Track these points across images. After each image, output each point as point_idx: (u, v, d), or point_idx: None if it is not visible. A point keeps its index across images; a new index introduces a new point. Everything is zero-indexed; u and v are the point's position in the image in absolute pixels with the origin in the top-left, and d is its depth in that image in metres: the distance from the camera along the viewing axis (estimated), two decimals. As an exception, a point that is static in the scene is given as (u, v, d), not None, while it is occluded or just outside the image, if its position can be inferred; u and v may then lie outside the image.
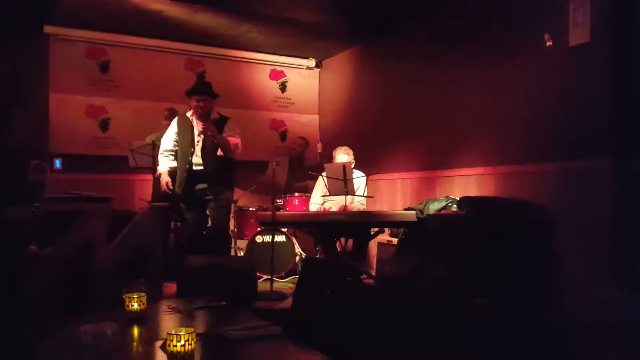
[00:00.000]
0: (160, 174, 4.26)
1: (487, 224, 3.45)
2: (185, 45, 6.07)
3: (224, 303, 2.26)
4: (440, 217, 3.82)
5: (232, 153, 4.15)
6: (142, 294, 2.04)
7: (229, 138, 4.14)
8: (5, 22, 4.94)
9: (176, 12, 5.10)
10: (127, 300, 2.05)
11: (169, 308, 2.25)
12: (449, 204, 4.02)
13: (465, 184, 4.37)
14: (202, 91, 4.18)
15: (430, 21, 4.94)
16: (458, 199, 3.95)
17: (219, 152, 4.13)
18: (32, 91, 5.36)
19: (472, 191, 4.26)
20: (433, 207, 4.02)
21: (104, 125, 5.74)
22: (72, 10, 4.69)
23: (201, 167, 4.16)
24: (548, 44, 3.59)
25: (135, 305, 2.02)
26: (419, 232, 3.96)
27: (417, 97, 5.11)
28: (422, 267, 3.40)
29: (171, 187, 4.19)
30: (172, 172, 4.23)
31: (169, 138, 4.28)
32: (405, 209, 4.35)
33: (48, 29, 5.42)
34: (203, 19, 5.31)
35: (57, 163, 5.36)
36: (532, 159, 3.73)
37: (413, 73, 5.18)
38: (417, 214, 3.97)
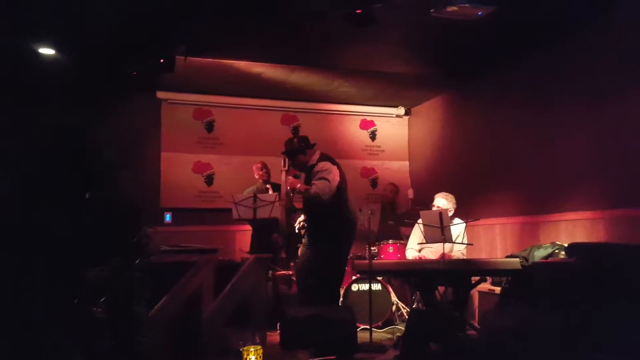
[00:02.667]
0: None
1: (602, 273, 3.19)
2: (281, 102, 6.46)
3: (334, 357, 2.29)
4: (548, 265, 3.60)
5: (311, 200, 3.93)
6: (259, 347, 2.14)
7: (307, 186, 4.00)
8: (123, 89, 5.60)
9: (274, 73, 5.50)
10: (245, 353, 2.15)
11: (282, 360, 2.32)
12: (556, 251, 3.80)
13: (572, 229, 4.11)
14: (286, 154, 4.21)
15: (520, 65, 4.87)
16: (566, 245, 3.71)
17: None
18: (146, 151, 5.99)
19: (580, 237, 4.00)
20: (538, 254, 3.81)
21: (209, 180, 6.20)
22: (181, 77, 5.20)
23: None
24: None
25: (253, 359, 2.12)
26: (524, 281, 3.75)
27: (512, 141, 4.98)
28: (530, 319, 3.21)
29: (300, 224, 4.23)
30: None
31: None
32: (507, 256, 4.16)
33: (160, 94, 6.08)
34: (298, 77, 5.66)
35: (167, 217, 5.83)
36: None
37: (507, 117, 5.08)
38: (521, 262, 3.78)
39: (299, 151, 4.12)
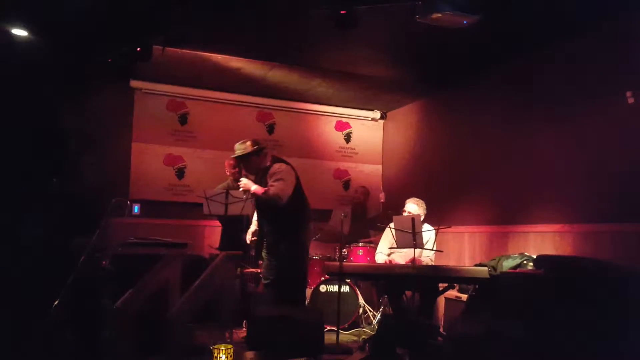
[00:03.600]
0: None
1: (568, 285, 3.28)
2: (258, 99, 6.39)
3: (304, 359, 2.27)
4: (516, 276, 3.67)
5: (268, 202, 3.89)
6: (229, 345, 2.10)
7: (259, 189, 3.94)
8: (96, 76, 5.44)
9: (253, 68, 5.42)
10: (215, 351, 2.10)
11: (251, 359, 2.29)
12: (524, 262, 3.88)
13: (541, 241, 4.21)
14: (235, 160, 4.19)
15: (498, 75, 4.97)
16: (534, 256, 3.80)
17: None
18: (117, 140, 5.83)
19: (549, 249, 4.10)
20: (507, 265, 3.89)
21: (180, 173, 6.07)
22: (157, 66, 5.07)
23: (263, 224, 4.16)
24: (630, 101, 3.50)
25: (223, 358, 2.08)
26: (491, 289, 3.82)
27: (485, 150, 5.06)
28: (496, 328, 3.26)
29: (252, 238, 4.25)
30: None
31: None
32: (476, 265, 4.23)
33: (134, 83, 5.90)
34: (277, 75, 5.61)
35: (136, 209, 5.68)
36: (615, 218, 3.57)
37: (481, 126, 5.17)
38: (489, 271, 3.85)
39: (253, 154, 4.01)
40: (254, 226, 4.33)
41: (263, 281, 4.19)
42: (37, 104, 5.16)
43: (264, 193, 3.87)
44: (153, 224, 5.56)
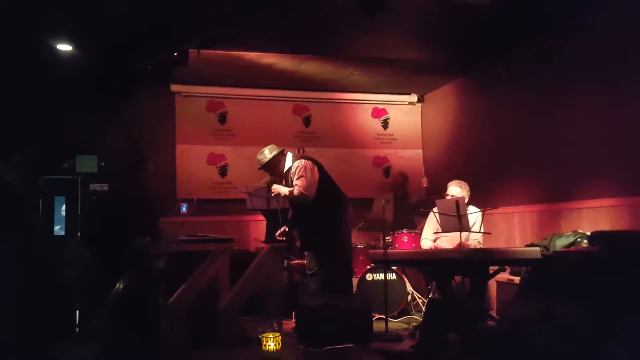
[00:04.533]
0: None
1: (626, 263, 3.12)
2: (292, 93, 6.43)
3: (351, 345, 2.28)
4: (570, 255, 3.53)
5: (295, 202, 3.99)
6: (277, 334, 2.13)
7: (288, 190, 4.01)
8: (138, 83, 5.63)
9: (285, 63, 5.46)
10: (263, 340, 2.15)
11: (301, 349, 2.31)
12: (578, 240, 3.72)
13: (594, 217, 4.02)
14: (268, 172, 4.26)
15: (537, 49, 4.77)
16: (589, 233, 3.63)
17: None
18: (162, 143, 6.02)
19: (604, 225, 3.91)
20: (560, 243, 3.74)
21: (223, 171, 6.21)
22: (194, 69, 5.20)
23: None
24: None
25: (272, 346, 2.12)
26: (544, 270, 3.68)
27: (529, 126, 4.88)
28: (551, 310, 3.15)
29: (280, 233, 4.28)
30: None
31: None
32: (527, 245, 4.10)
33: (174, 87, 6.09)
34: (309, 67, 5.62)
35: (184, 208, 5.86)
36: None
37: (524, 102, 4.98)
38: (541, 251, 3.71)
39: (273, 161, 4.11)
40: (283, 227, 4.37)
41: (307, 272, 4.23)
42: (82, 113, 5.41)
43: (290, 194, 3.97)
44: (200, 221, 5.71)
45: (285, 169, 4.12)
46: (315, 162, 4.12)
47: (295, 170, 4.00)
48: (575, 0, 3.89)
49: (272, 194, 4.12)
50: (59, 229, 5.06)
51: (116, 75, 5.25)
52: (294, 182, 3.98)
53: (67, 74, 4.92)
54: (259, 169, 4.23)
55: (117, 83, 5.47)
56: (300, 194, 3.91)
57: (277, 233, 4.35)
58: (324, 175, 4.09)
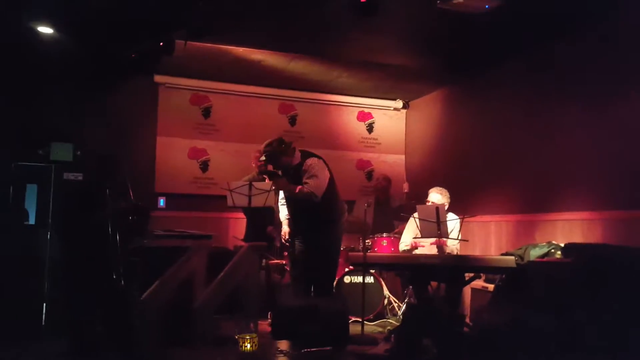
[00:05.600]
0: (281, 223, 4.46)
1: (598, 274, 3.19)
2: (279, 91, 6.39)
3: (329, 348, 2.28)
4: (544, 265, 3.60)
5: (303, 200, 3.89)
6: (254, 335, 2.12)
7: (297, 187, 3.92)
8: (121, 71, 5.53)
9: (274, 60, 5.43)
10: (240, 341, 2.13)
11: (277, 350, 2.31)
12: (552, 250, 3.80)
13: (569, 229, 4.11)
14: (265, 161, 4.06)
15: (521, 62, 4.86)
16: (562, 245, 3.71)
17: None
18: (142, 135, 5.92)
19: (577, 237, 4.00)
20: (534, 253, 3.81)
21: (204, 166, 6.14)
22: (180, 61, 5.13)
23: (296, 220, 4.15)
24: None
25: (248, 347, 2.10)
26: (518, 279, 3.75)
27: (510, 138, 4.97)
28: (524, 318, 3.21)
29: (288, 239, 4.27)
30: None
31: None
32: (502, 254, 4.16)
33: (158, 78, 5.98)
34: (298, 66, 5.60)
35: (161, 202, 5.77)
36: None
37: (505, 113, 5.07)
38: (516, 260, 3.77)
39: (282, 153, 3.99)
40: (285, 227, 4.33)
41: (291, 273, 4.21)
42: (61, 100, 5.28)
43: (299, 192, 3.86)
44: (179, 216, 5.64)
45: (295, 162, 3.99)
46: (324, 161, 4.04)
47: (308, 167, 3.90)
48: (562, 14, 3.95)
49: (273, 188, 4.00)
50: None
51: (99, 62, 5.15)
52: (305, 180, 3.87)
53: (47, 58, 4.78)
54: (264, 158, 4.04)
55: (99, 70, 5.35)
56: (310, 194, 3.82)
57: (285, 232, 4.29)
58: (331, 176, 4.03)
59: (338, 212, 4.10)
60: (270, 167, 4.07)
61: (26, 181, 4.86)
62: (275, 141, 4.00)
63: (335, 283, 4.96)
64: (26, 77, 4.97)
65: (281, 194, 4.40)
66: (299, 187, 3.88)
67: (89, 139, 5.18)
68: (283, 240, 4.29)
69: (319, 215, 3.96)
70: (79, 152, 4.97)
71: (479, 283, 4.44)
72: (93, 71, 5.33)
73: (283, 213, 4.41)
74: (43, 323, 4.60)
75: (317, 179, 3.87)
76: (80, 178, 4.96)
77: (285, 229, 4.34)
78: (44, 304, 4.63)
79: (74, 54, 4.85)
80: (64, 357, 3.26)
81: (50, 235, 4.82)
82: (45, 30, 4.42)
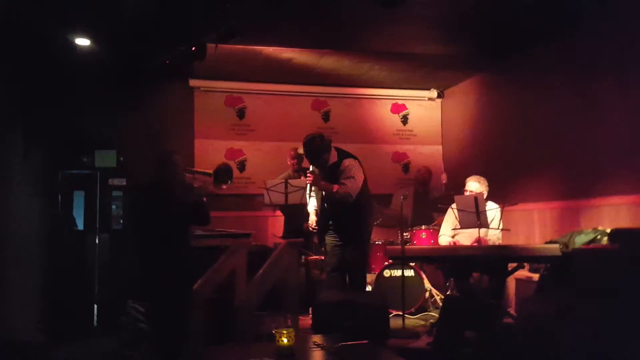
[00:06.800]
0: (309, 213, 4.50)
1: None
2: (311, 88, 6.43)
3: (365, 342, 2.28)
4: (590, 252, 3.46)
5: (338, 200, 3.93)
6: (291, 329, 2.14)
7: (334, 185, 3.94)
8: (157, 78, 5.69)
9: (304, 58, 5.46)
10: (277, 335, 2.16)
11: (315, 344, 2.33)
12: (598, 237, 3.65)
13: (615, 214, 3.94)
14: (309, 159, 4.12)
15: (559, 44, 4.67)
16: (609, 231, 3.56)
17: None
18: (180, 138, 6.09)
19: (625, 222, 3.82)
20: (579, 241, 3.68)
21: (241, 166, 6.25)
22: (212, 64, 5.23)
23: (329, 215, 4.17)
24: None
25: (285, 341, 2.13)
26: (564, 267, 3.63)
27: (550, 123, 4.79)
28: (570, 307, 3.10)
29: (316, 227, 4.32)
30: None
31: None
32: (546, 242, 4.03)
33: (193, 82, 6.14)
34: (328, 62, 5.60)
35: (202, 202, 5.90)
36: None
37: (544, 98, 4.89)
38: (561, 248, 3.65)
39: (322, 149, 4.01)
40: (313, 216, 4.38)
41: (326, 268, 4.24)
42: (102, 108, 5.50)
43: (336, 192, 3.93)
44: (218, 216, 5.73)
45: (331, 162, 4.04)
46: (358, 160, 4.09)
47: (346, 168, 3.96)
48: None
49: (310, 184, 4.05)
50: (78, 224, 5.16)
51: (135, 70, 5.32)
52: (342, 181, 3.93)
53: (86, 69, 4.98)
54: (306, 154, 4.10)
55: (136, 78, 5.53)
56: (347, 194, 3.89)
57: (313, 221, 4.34)
58: (364, 176, 4.09)
59: (368, 210, 4.17)
60: (306, 164, 4.10)
61: (73, 188, 5.10)
62: (316, 137, 4.04)
63: (375, 277, 4.96)
64: (67, 88, 5.20)
65: (309, 186, 4.44)
66: (337, 186, 3.93)
67: (130, 145, 5.38)
68: (310, 229, 4.32)
69: (352, 213, 4.00)
70: (121, 158, 5.18)
71: (523, 273, 4.33)
72: (130, 79, 5.52)
73: (311, 205, 4.44)
74: (95, 323, 4.84)
75: (353, 181, 3.93)
76: (124, 183, 5.17)
77: (312, 218, 4.37)
78: (95, 305, 4.87)
79: (111, 63, 5.04)
80: (114, 353, 3.41)
81: (98, 240, 5.05)
82: (82, 42, 4.61)
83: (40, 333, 4.09)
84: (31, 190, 4.69)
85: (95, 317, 4.88)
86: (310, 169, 4.20)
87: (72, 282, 4.82)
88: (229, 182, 3.72)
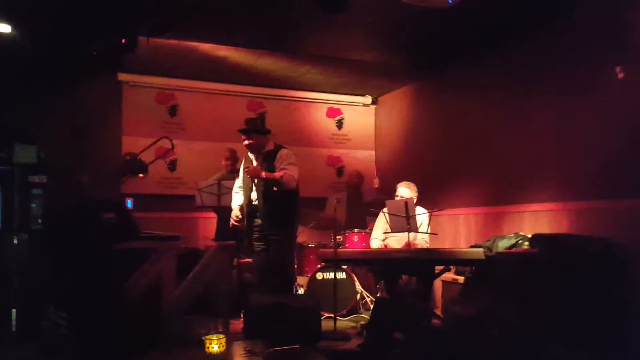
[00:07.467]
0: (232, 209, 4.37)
1: (563, 264, 3.27)
2: (247, 88, 6.31)
3: (297, 346, 2.26)
4: (511, 256, 3.67)
5: (281, 186, 4.00)
6: (222, 336, 2.08)
7: (276, 172, 4.02)
8: (83, 70, 5.38)
9: (241, 57, 5.35)
10: (207, 342, 2.08)
11: (246, 350, 2.27)
12: (520, 241, 3.86)
13: (535, 220, 4.20)
14: (244, 130, 4.22)
15: (489, 57, 4.92)
16: (530, 236, 3.79)
17: (275, 188, 4.06)
18: (107, 134, 5.77)
19: (544, 228, 4.09)
20: (502, 245, 3.87)
21: (172, 166, 6.02)
22: (144, 58, 5.01)
23: (256, 202, 4.15)
24: (620, 76, 3.46)
25: (216, 348, 2.06)
26: (487, 270, 3.81)
27: (478, 131, 5.04)
28: (493, 308, 3.26)
29: (237, 218, 4.24)
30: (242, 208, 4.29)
31: (239, 175, 4.39)
32: (471, 246, 4.22)
33: (122, 76, 5.83)
34: (265, 62, 5.54)
35: (129, 203, 5.62)
36: (609, 195, 3.56)
37: (472, 107, 5.14)
38: (485, 252, 3.84)
39: (260, 132, 4.18)
40: (236, 211, 4.29)
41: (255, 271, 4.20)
42: (23, 100, 5.11)
43: (280, 177, 3.98)
44: (147, 217, 5.48)
45: (267, 149, 4.15)
46: None
47: (285, 155, 4.10)
48: (532, 7, 3.99)
49: (247, 174, 4.03)
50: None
51: (60, 61, 4.99)
52: (283, 167, 4.02)
53: (7, 57, 4.61)
54: (244, 129, 4.17)
55: (61, 70, 5.19)
56: (292, 178, 4.00)
57: (235, 216, 4.25)
58: None
59: (297, 202, 4.24)
60: (247, 141, 4.13)
61: (-12, 184, 4.69)
62: (258, 119, 4.35)
63: (307, 280, 4.96)
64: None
65: (237, 182, 4.38)
66: (280, 173, 3.99)
67: (52, 140, 5.02)
68: (233, 222, 4.25)
69: (283, 200, 4.05)
70: (42, 155, 4.82)
71: (449, 275, 4.51)
72: (55, 71, 5.17)
73: (236, 201, 4.36)
74: (13, 329, 4.47)
75: (295, 168, 4.06)
76: (44, 181, 4.81)
77: (236, 213, 4.28)
78: (13, 310, 4.49)
79: (34, 53, 4.69)
80: None
81: (17, 240, 4.66)
82: (3, 28, 4.25)
83: None
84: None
85: (13, 322, 4.49)
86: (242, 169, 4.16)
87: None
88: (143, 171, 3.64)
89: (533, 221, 4.22)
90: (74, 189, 3.17)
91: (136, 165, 3.71)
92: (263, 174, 3.99)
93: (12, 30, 4.28)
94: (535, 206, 4.25)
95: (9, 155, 4.68)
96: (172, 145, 4.31)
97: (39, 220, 4.85)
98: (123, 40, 4.38)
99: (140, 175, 4.04)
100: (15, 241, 4.66)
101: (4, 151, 4.67)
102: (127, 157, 3.64)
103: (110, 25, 4.31)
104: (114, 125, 5.83)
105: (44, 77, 5.17)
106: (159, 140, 4.23)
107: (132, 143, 5.84)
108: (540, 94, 4.29)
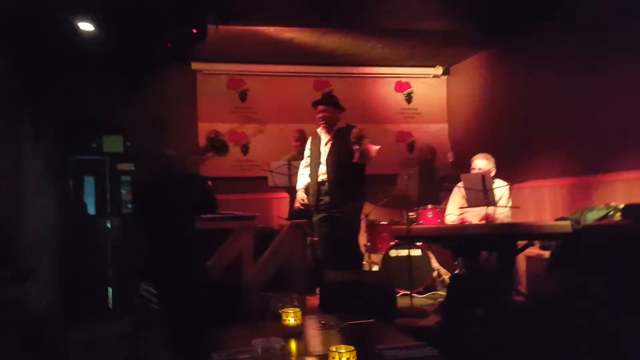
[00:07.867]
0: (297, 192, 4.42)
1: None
2: (313, 68, 6.32)
3: (372, 320, 2.25)
4: (601, 229, 3.40)
5: (367, 158, 4.04)
6: (298, 309, 2.12)
7: (370, 146, 4.05)
8: (158, 62, 5.64)
9: (305, 37, 5.36)
10: (284, 315, 2.13)
11: (321, 324, 2.30)
12: (611, 213, 3.58)
13: (629, 189, 3.85)
14: (321, 102, 4.27)
15: (568, 18, 4.54)
16: (622, 206, 3.49)
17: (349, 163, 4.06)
18: (184, 122, 6.04)
19: (638, 197, 3.74)
20: (591, 217, 3.61)
21: (245, 149, 6.20)
22: (213, 46, 5.13)
23: (325, 177, 4.15)
24: None
25: (292, 320, 2.11)
26: (575, 245, 3.57)
27: (559, 97, 4.69)
28: (581, 285, 3.06)
29: (305, 202, 4.28)
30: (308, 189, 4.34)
31: (305, 156, 4.43)
32: (557, 219, 3.97)
33: (195, 65, 6.06)
34: (330, 41, 5.50)
35: (207, 185, 5.88)
36: None
37: (553, 72, 4.77)
38: (572, 224, 3.59)
39: (337, 105, 4.22)
40: (301, 193, 4.32)
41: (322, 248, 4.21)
42: (108, 94, 5.47)
43: (366, 154, 4.00)
44: (223, 199, 5.69)
45: (338, 125, 4.19)
46: None
47: (362, 132, 4.00)
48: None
49: (366, 154, 4.06)
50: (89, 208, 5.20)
51: (138, 55, 5.26)
52: (364, 141, 3.96)
53: (91, 54, 4.94)
54: (320, 102, 4.26)
55: (140, 62, 5.48)
56: (372, 152, 4.01)
57: (301, 198, 4.30)
58: None
59: (364, 185, 4.25)
60: (322, 114, 4.20)
61: (83, 174, 5.13)
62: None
63: (381, 257, 4.93)
64: (74, 75, 5.17)
65: (302, 163, 4.40)
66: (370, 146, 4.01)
67: (136, 130, 5.35)
68: (299, 206, 4.28)
69: (355, 183, 4.09)
70: (128, 144, 5.17)
71: (533, 251, 4.28)
72: (134, 64, 5.47)
73: (301, 183, 4.37)
74: (110, 306, 4.90)
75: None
76: (132, 168, 5.17)
77: (301, 195, 4.31)
78: (109, 288, 4.92)
79: (114, 48, 4.98)
80: (129, 334, 3.44)
81: (109, 225, 5.07)
82: (86, 27, 4.54)
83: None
84: (42, 176, 4.69)
85: (110, 300, 4.94)
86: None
87: (86, 265, 4.89)
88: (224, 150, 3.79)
89: (626, 191, 3.88)
90: (162, 162, 3.37)
91: (220, 144, 3.87)
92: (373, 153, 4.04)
93: (95, 28, 4.54)
94: (627, 174, 3.90)
95: (98, 146, 5.08)
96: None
97: (128, 205, 5.25)
98: (194, 30, 4.52)
99: (222, 154, 4.19)
100: (109, 225, 5.08)
101: (95, 142, 5.07)
102: (212, 136, 3.80)
103: (181, 17, 4.46)
104: (191, 113, 6.09)
105: (125, 71, 5.49)
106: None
107: (208, 130, 6.07)
108: (627, 53, 3.88)
